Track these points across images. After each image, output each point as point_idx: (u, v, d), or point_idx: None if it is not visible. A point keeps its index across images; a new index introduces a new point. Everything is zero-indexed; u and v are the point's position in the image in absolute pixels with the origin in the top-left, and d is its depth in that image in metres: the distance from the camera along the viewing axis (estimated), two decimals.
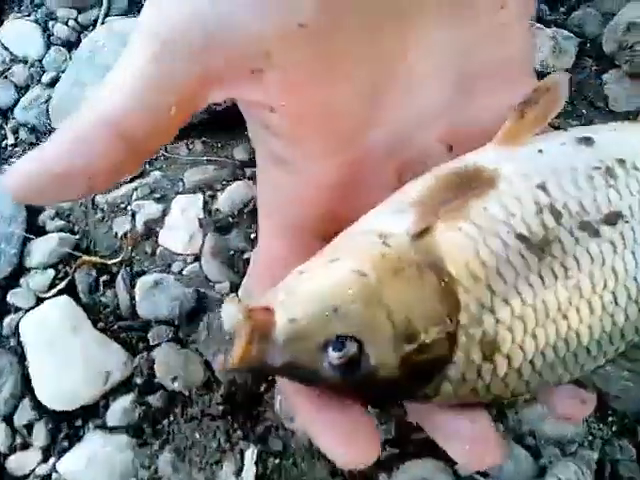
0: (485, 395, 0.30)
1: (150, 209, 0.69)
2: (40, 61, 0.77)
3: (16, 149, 0.73)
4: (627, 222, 0.30)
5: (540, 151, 0.31)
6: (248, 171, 0.70)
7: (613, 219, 0.30)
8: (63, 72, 0.75)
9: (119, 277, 0.66)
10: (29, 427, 0.61)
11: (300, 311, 0.28)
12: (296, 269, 0.30)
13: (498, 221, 0.29)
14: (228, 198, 0.68)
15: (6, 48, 0.78)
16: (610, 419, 0.60)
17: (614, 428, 0.60)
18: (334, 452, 0.29)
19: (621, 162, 0.31)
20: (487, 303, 0.28)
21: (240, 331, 0.27)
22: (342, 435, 0.29)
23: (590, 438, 0.59)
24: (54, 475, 0.60)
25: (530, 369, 0.29)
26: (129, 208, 0.70)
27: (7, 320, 0.64)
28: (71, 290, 0.66)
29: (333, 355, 0.27)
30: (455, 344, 0.28)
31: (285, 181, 0.34)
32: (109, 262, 0.67)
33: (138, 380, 0.63)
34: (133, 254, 0.68)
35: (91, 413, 0.62)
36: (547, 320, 0.29)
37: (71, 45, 0.78)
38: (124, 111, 0.29)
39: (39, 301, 0.65)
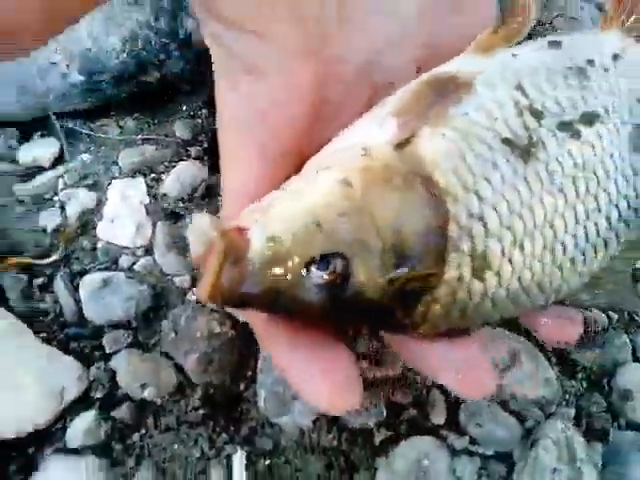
0: (474, 318, 0.28)
1: (82, 198, 0.60)
2: None
3: None
4: (603, 123, 0.29)
5: (514, 55, 0.30)
6: (193, 150, 0.63)
7: (590, 119, 0.29)
8: None
9: (57, 279, 0.57)
10: None
11: (279, 228, 0.25)
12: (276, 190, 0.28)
13: (481, 126, 0.28)
14: (176, 181, 0.61)
15: None
16: (579, 375, 0.63)
17: (584, 384, 0.63)
18: (315, 397, 0.27)
19: (590, 62, 0.31)
20: (476, 211, 0.26)
21: (212, 254, 0.24)
22: (322, 377, 0.27)
23: (566, 397, 0.62)
24: None
25: (518, 285, 0.28)
26: (56, 199, 0.60)
27: None
28: None
29: (318, 274, 0.25)
30: (445, 260, 0.26)
31: (259, 88, 0.30)
32: (43, 262, 0.57)
33: (98, 394, 0.55)
34: (68, 252, 0.59)
35: (46, 437, 0.54)
36: (535, 230, 0.27)
37: None
38: None
39: None
